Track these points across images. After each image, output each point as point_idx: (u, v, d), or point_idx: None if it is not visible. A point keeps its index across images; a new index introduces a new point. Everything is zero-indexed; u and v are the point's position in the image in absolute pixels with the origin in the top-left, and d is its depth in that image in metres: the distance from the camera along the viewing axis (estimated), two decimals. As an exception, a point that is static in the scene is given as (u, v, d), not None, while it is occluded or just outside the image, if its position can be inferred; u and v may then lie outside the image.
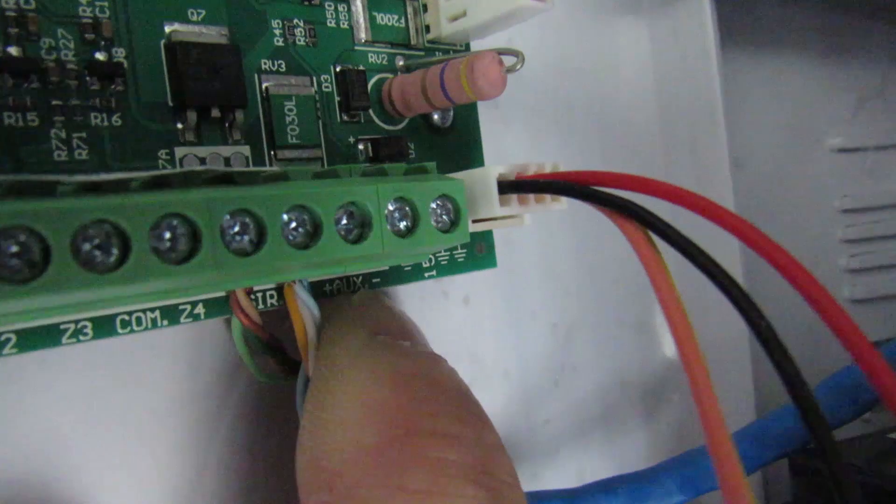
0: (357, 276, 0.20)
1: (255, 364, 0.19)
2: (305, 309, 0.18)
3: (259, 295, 0.19)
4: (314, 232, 0.15)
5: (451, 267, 0.23)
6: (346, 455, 0.14)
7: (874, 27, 0.39)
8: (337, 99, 0.20)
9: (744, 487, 0.11)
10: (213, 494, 0.20)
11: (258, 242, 0.14)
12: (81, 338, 0.16)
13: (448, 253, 0.22)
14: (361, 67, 0.21)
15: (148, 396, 0.19)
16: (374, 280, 0.21)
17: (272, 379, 0.19)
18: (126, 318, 0.16)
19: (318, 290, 0.20)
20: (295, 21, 0.19)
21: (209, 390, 0.20)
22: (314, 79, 0.20)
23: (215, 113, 0.17)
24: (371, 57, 0.21)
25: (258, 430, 0.21)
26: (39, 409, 0.17)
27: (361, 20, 0.21)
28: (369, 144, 0.21)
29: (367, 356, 0.16)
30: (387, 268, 0.21)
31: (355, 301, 0.18)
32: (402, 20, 0.22)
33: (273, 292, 0.19)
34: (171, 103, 0.17)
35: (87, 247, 0.12)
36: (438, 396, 0.15)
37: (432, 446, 0.14)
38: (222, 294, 0.18)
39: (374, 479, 0.13)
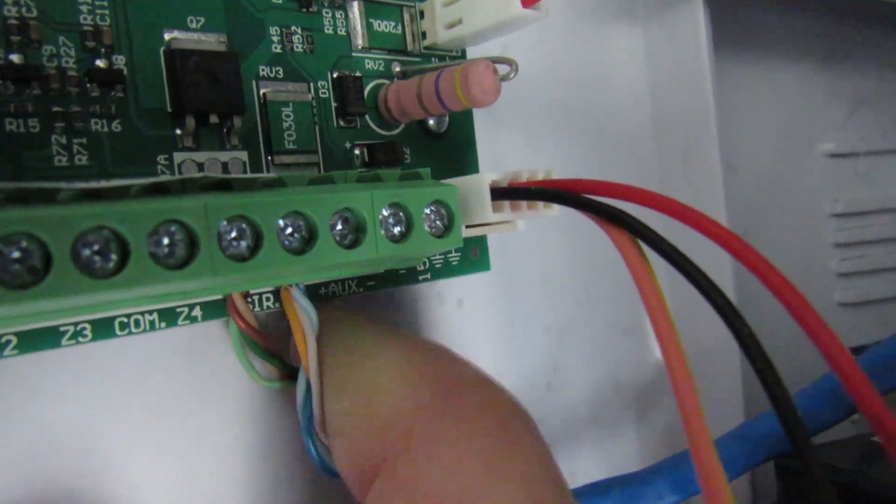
0: (352, 279, 0.21)
1: (253, 368, 0.19)
2: (303, 312, 0.18)
3: (255, 298, 0.19)
4: (310, 237, 0.15)
5: (445, 270, 0.23)
6: (409, 414, 0.16)
7: (867, 33, 0.40)
8: (334, 105, 0.20)
9: (724, 489, 0.12)
10: (209, 497, 0.20)
11: (255, 248, 0.14)
12: (81, 340, 0.16)
13: (442, 256, 0.23)
14: (358, 74, 0.21)
15: (145, 398, 0.19)
16: (370, 283, 0.21)
17: (271, 383, 0.20)
18: (124, 320, 0.17)
19: (314, 294, 0.20)
20: (293, 28, 0.20)
21: (206, 392, 0.20)
22: (311, 85, 0.20)
23: (213, 119, 0.18)
24: (368, 63, 0.21)
25: (255, 433, 0.21)
26: (36, 412, 0.18)
27: (358, 27, 0.21)
28: (365, 150, 0.21)
29: (386, 340, 0.18)
30: (382, 271, 0.21)
31: (339, 304, 0.20)
32: (399, 27, 0.22)
33: (270, 295, 0.19)
34: (169, 109, 0.17)
35: (86, 252, 0.12)
36: (456, 360, 0.17)
37: (479, 394, 0.16)
38: (220, 297, 0.18)
39: (449, 421, 0.15)
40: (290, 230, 0.15)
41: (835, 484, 0.22)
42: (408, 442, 0.15)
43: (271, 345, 0.19)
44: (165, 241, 0.13)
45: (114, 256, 0.12)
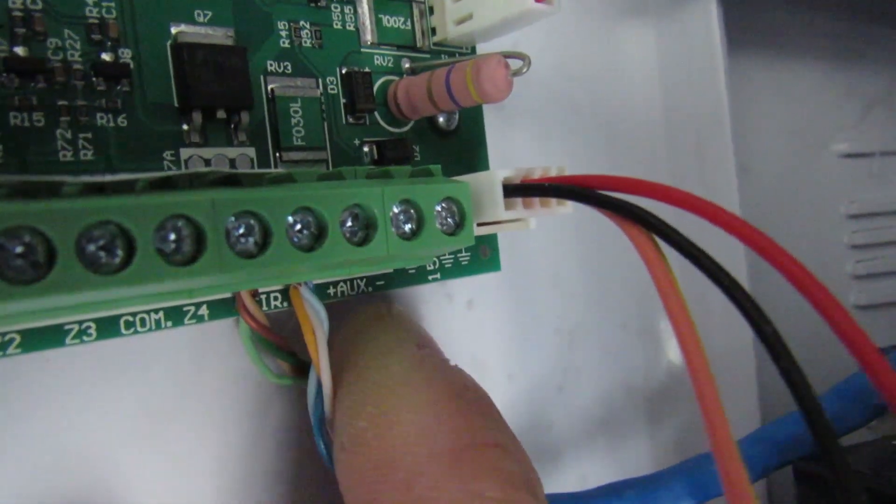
0: (361, 278, 0.20)
1: (265, 365, 0.19)
2: (312, 311, 0.17)
3: (263, 297, 0.19)
4: (319, 234, 0.14)
5: (455, 270, 0.23)
6: (422, 458, 0.15)
7: (881, 33, 0.39)
8: (342, 101, 0.20)
9: (748, 491, 0.11)
10: (215, 495, 0.20)
11: (263, 244, 0.14)
12: (85, 339, 0.16)
13: (452, 256, 0.22)
14: (367, 70, 0.21)
15: (151, 398, 0.19)
16: (378, 283, 0.21)
17: (283, 380, 0.19)
18: (130, 319, 0.16)
19: (322, 293, 0.20)
20: (301, 23, 0.19)
21: (213, 392, 0.20)
22: (320, 81, 0.20)
23: (221, 114, 0.17)
24: (377, 59, 0.21)
25: (262, 431, 0.21)
26: (41, 411, 0.17)
27: (367, 22, 0.21)
28: (374, 147, 0.21)
29: (421, 369, 0.17)
30: (391, 270, 0.21)
31: (395, 312, 0.19)
32: (408, 23, 0.22)
33: (277, 294, 0.19)
34: (176, 104, 0.17)
35: (91, 248, 0.12)
36: (487, 409, 0.17)
37: (497, 457, 0.15)
38: (227, 296, 0.18)
39: (454, 483, 0.14)
40: (299, 227, 0.14)
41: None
42: (405, 495, 0.14)
43: (283, 341, 0.19)
44: (172, 236, 0.13)
45: (119, 252, 0.12)
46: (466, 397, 0.16)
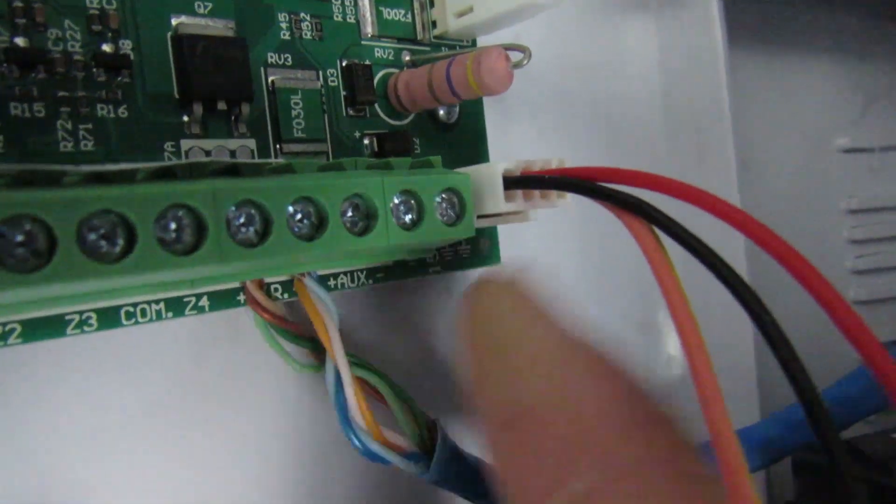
0: (361, 270, 0.20)
1: (288, 355, 0.19)
2: (319, 301, 0.18)
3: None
4: (319, 224, 0.15)
5: (455, 263, 0.23)
6: (615, 431, 0.12)
7: (882, 27, 0.39)
8: (343, 93, 0.20)
9: (747, 482, 0.11)
10: (218, 487, 0.20)
11: (263, 234, 0.14)
12: (86, 329, 0.16)
13: (452, 249, 0.22)
14: (368, 62, 0.20)
15: (151, 389, 0.19)
16: (378, 275, 0.21)
17: (309, 368, 0.19)
18: (131, 309, 0.16)
19: (322, 285, 0.20)
20: (301, 15, 0.19)
21: (213, 383, 0.20)
22: (320, 73, 0.20)
23: (221, 106, 0.17)
24: (377, 52, 0.21)
25: (264, 422, 0.21)
26: (41, 401, 0.17)
27: (368, 14, 0.21)
28: (375, 139, 0.21)
29: (571, 341, 0.15)
30: (391, 262, 0.21)
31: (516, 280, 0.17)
32: (409, 15, 0.22)
33: (278, 286, 0.19)
34: (177, 96, 0.17)
35: (92, 237, 0.12)
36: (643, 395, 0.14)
37: (675, 428, 0.13)
38: (228, 286, 0.18)
39: (655, 461, 0.12)
40: (299, 216, 0.14)
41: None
42: (605, 472, 0.12)
43: (299, 329, 0.19)
44: (173, 226, 0.13)
45: (120, 241, 0.12)
46: (626, 375, 0.14)
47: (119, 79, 0.16)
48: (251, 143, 0.18)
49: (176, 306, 0.17)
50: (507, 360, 0.14)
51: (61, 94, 0.16)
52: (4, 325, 0.15)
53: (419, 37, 0.22)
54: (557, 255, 0.28)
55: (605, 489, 0.12)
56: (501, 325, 0.15)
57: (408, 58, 0.22)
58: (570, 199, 0.19)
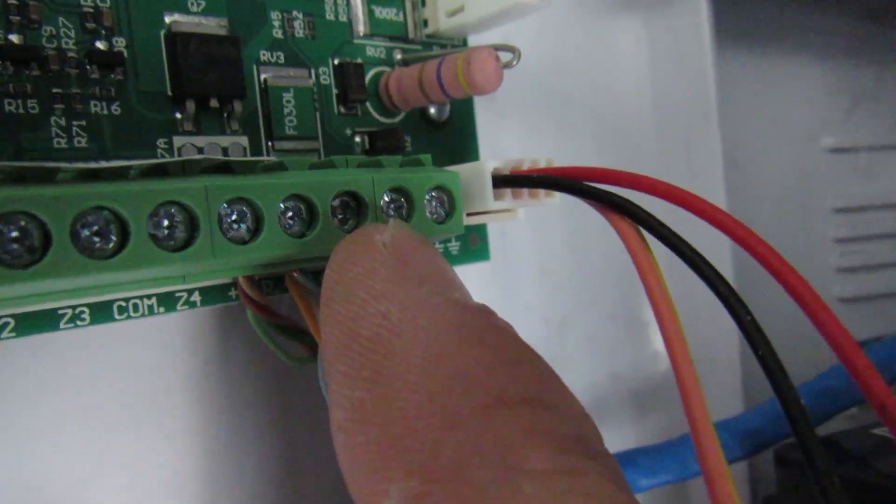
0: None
1: (280, 348, 0.19)
2: (310, 295, 0.18)
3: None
4: (310, 221, 0.15)
5: (445, 260, 0.23)
6: (436, 430, 0.11)
7: (868, 28, 0.40)
8: (335, 91, 0.20)
9: (724, 471, 0.12)
10: (206, 481, 0.20)
11: (255, 231, 0.14)
12: (79, 323, 0.16)
13: (442, 245, 0.23)
14: (359, 60, 0.21)
15: (142, 383, 0.19)
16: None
17: (302, 361, 0.19)
18: (123, 304, 0.17)
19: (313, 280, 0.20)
20: (294, 13, 0.20)
21: (203, 377, 0.20)
22: (312, 71, 0.20)
23: (214, 103, 0.18)
24: (369, 50, 0.21)
25: (255, 416, 0.21)
26: (33, 394, 0.18)
27: (360, 13, 0.21)
28: (366, 137, 0.21)
29: (426, 312, 0.13)
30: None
31: (388, 241, 0.14)
32: (401, 14, 0.22)
33: (269, 281, 0.19)
34: (170, 93, 0.17)
35: (86, 233, 0.12)
36: (518, 353, 0.13)
37: (534, 416, 0.11)
38: (220, 281, 0.18)
39: (481, 459, 0.11)
40: (290, 213, 0.15)
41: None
42: (424, 478, 0.11)
43: (289, 321, 0.19)
44: (165, 222, 0.13)
45: (113, 237, 0.12)
46: (489, 343, 0.12)
47: (112, 76, 0.16)
48: (243, 141, 0.18)
49: (168, 301, 0.17)
50: (349, 348, 0.13)
51: (55, 91, 0.16)
52: (-2, 319, 0.15)
53: (411, 35, 0.22)
54: (546, 252, 0.29)
55: (427, 494, 0.11)
56: (350, 295, 0.13)
57: (399, 56, 0.22)
58: (559, 197, 0.19)
